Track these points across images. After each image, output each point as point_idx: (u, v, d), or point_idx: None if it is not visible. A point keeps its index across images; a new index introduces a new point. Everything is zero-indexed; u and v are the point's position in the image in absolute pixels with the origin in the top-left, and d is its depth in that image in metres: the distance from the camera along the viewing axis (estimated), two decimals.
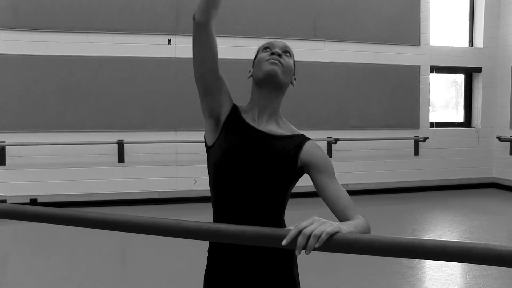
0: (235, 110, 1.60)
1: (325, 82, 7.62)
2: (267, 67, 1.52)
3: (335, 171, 1.53)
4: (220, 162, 1.54)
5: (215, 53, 1.53)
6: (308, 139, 1.58)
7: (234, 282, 1.55)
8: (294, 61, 1.64)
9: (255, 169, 1.51)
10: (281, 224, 1.56)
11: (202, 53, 1.52)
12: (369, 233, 1.37)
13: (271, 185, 1.51)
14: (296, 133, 1.59)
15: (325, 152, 1.57)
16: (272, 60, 1.53)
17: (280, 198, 1.55)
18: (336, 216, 1.45)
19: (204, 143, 1.64)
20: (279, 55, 1.55)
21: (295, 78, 1.65)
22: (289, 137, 1.56)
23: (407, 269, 4.23)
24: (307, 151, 1.53)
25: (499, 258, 1.03)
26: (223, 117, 1.58)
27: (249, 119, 1.59)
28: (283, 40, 1.65)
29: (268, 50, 1.58)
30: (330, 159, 1.60)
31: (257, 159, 1.51)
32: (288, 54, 1.60)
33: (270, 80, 1.54)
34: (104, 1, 6.82)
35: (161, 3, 6.98)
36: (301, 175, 1.56)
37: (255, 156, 1.52)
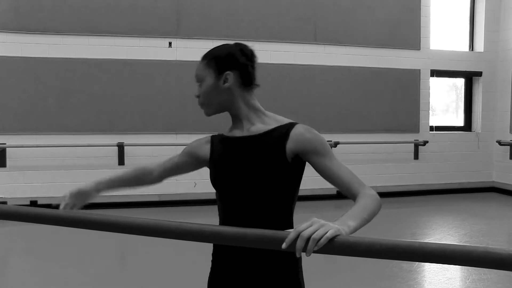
0: (213, 141, 1.66)
1: (325, 86, 7.63)
2: None
3: None
4: (215, 177, 1.58)
5: (179, 166, 1.80)
6: (295, 125, 1.51)
7: (239, 285, 1.55)
8: (213, 67, 1.54)
9: (246, 173, 1.50)
10: (290, 225, 1.53)
11: (180, 172, 1.84)
12: (380, 206, 1.37)
13: (267, 184, 1.49)
14: (283, 123, 1.54)
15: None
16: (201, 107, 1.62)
17: (283, 196, 1.52)
18: (344, 193, 1.44)
19: None
20: (197, 97, 1.60)
21: (228, 76, 1.53)
22: (273, 130, 1.52)
23: (407, 273, 4.23)
24: (295, 138, 1.48)
25: (499, 261, 1.03)
26: (208, 156, 1.65)
27: (231, 133, 1.61)
28: (198, 63, 1.59)
29: None
30: None
31: (245, 163, 1.51)
32: (199, 83, 1.58)
33: (216, 114, 1.63)
34: (105, 3, 6.83)
35: (161, 6, 6.99)
36: (301, 164, 1.52)
37: (243, 160, 1.52)
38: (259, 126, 1.55)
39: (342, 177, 1.44)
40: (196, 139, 1.70)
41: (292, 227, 1.52)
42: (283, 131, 1.50)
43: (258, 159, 1.49)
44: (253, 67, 1.58)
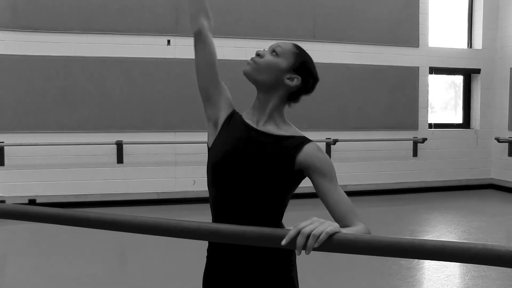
0: (233, 114, 1.63)
1: (324, 83, 7.55)
2: (243, 69, 1.58)
3: None
4: (216, 162, 1.55)
5: (214, 61, 1.62)
6: (309, 141, 1.54)
7: (233, 282, 1.56)
8: (296, 60, 1.56)
9: (249, 168, 1.51)
10: (278, 226, 1.54)
11: (203, 61, 1.63)
12: None
13: (266, 185, 1.50)
14: (297, 135, 1.57)
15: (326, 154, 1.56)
16: (248, 61, 1.57)
17: (277, 200, 1.53)
18: (337, 221, 1.43)
19: (206, 145, 1.67)
20: (258, 55, 1.57)
21: (295, 79, 1.56)
22: (287, 138, 1.54)
23: (406, 270, 4.24)
24: (307, 154, 1.50)
25: (498, 258, 1.03)
26: (221, 121, 1.61)
27: (249, 120, 1.60)
28: (289, 43, 1.62)
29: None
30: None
31: (251, 158, 1.51)
32: (274, 53, 1.56)
33: (249, 79, 1.58)
34: (104, 2, 6.82)
35: (160, 4, 6.98)
36: (301, 178, 1.54)
37: (249, 155, 1.52)
38: (274, 128, 1.58)
39: (340, 204, 1.44)
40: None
41: (281, 227, 1.54)
42: (298, 142, 1.53)
43: (268, 159, 1.50)
44: (303, 94, 1.63)
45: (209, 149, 1.61)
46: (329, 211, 1.46)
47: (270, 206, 1.53)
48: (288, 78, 1.56)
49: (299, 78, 1.57)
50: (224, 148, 1.55)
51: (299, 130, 1.61)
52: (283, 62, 1.55)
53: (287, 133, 1.56)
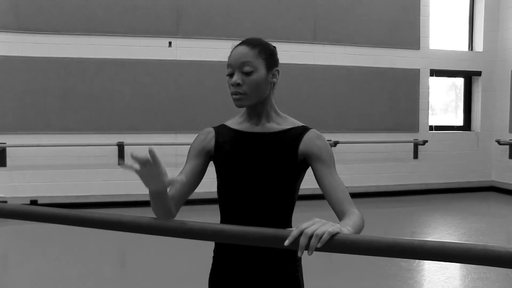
0: (218, 132, 1.61)
1: (324, 85, 7.63)
2: (235, 103, 1.53)
3: None
4: (224, 169, 1.58)
5: (188, 191, 1.60)
6: (308, 129, 1.56)
7: (239, 282, 1.58)
8: (265, 59, 1.53)
9: (258, 169, 1.53)
10: (289, 223, 1.57)
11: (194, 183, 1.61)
12: (363, 226, 1.38)
13: (276, 182, 1.52)
14: (296, 125, 1.58)
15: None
16: (234, 97, 1.51)
17: (288, 195, 1.55)
18: (332, 207, 1.46)
19: None
20: (238, 84, 1.49)
21: (276, 72, 1.55)
22: (288, 131, 1.56)
23: (406, 272, 4.24)
24: (307, 142, 1.52)
25: (497, 259, 1.04)
26: (213, 146, 1.60)
27: (243, 126, 1.60)
28: (244, 48, 1.53)
29: (229, 72, 1.54)
30: None
31: (258, 159, 1.53)
32: (247, 71, 1.49)
33: (246, 106, 1.56)
34: (105, 3, 6.84)
35: (161, 6, 7.00)
36: (306, 166, 1.56)
37: (255, 156, 1.54)
38: (273, 125, 1.58)
39: (337, 191, 1.46)
40: (196, 138, 1.63)
41: (291, 225, 1.55)
42: (298, 133, 1.54)
43: (273, 157, 1.53)
44: None
45: (213, 161, 1.62)
46: (325, 197, 1.48)
47: (280, 203, 1.55)
48: (272, 78, 1.55)
49: (277, 68, 1.57)
50: (230, 155, 1.56)
51: (295, 120, 1.61)
52: (261, 72, 1.51)
53: (287, 126, 1.58)
